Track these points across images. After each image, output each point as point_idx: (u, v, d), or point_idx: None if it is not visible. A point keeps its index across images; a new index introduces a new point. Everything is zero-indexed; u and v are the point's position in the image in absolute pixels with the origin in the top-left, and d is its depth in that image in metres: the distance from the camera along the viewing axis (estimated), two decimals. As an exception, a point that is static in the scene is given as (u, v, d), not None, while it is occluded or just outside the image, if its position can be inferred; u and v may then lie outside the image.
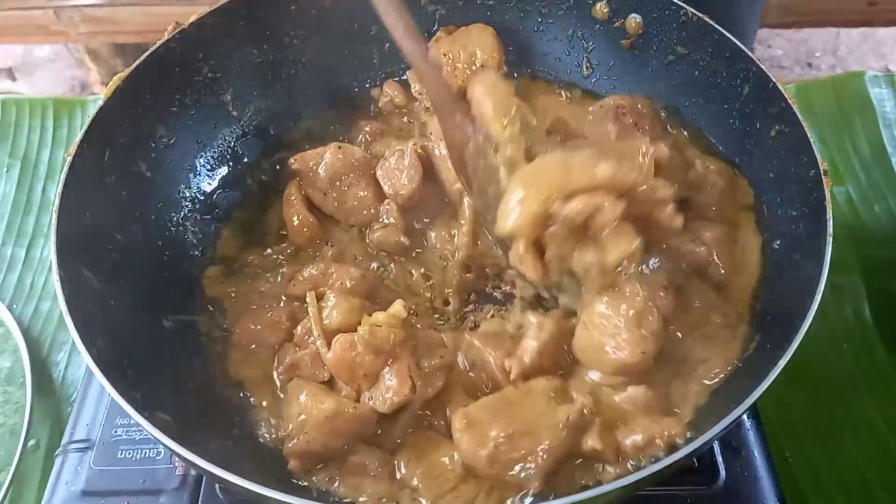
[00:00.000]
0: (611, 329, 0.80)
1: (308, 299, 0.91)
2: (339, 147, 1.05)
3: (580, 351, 0.86)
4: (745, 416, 0.95)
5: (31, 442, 1.09)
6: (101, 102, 0.93)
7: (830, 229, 0.78)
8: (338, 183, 1.04)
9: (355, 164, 1.05)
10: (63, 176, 0.85)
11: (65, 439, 0.97)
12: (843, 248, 1.30)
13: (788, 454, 1.07)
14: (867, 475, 1.07)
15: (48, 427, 1.11)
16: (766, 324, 0.85)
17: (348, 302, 0.90)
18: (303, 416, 0.82)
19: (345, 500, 0.80)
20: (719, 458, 0.91)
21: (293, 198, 1.05)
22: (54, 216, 0.82)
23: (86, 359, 0.71)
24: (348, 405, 0.82)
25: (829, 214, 0.79)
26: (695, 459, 0.91)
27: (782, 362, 0.68)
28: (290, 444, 0.82)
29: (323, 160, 1.04)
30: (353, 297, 0.92)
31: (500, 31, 1.19)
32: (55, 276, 0.77)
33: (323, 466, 0.83)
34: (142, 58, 0.98)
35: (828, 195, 0.81)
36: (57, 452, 0.96)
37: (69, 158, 0.87)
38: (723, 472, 0.90)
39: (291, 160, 1.06)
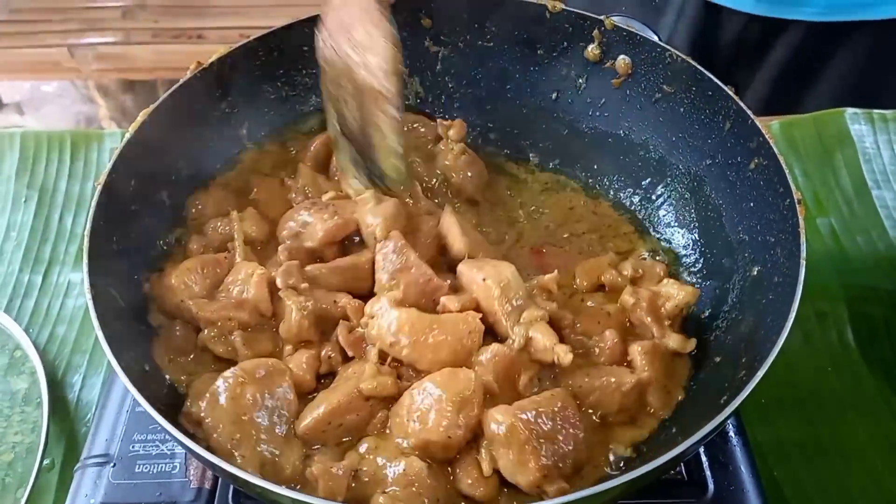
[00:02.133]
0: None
1: (233, 216, 1.05)
2: None
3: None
4: (731, 433, 1.00)
5: (47, 461, 1.12)
6: (128, 136, 0.99)
7: (804, 253, 0.83)
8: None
9: None
10: (94, 203, 0.91)
11: (84, 454, 1.00)
12: (827, 277, 1.36)
13: (777, 473, 1.11)
14: (854, 493, 1.10)
15: (63, 446, 1.15)
16: (748, 341, 0.90)
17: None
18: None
19: None
20: (707, 473, 0.96)
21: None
22: (86, 240, 0.87)
23: (116, 370, 0.76)
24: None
25: (803, 239, 0.85)
26: (685, 473, 0.95)
27: (761, 372, 0.74)
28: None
29: None
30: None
31: (497, 72, 1.27)
32: (87, 296, 0.82)
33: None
34: (165, 94, 1.05)
35: (801, 222, 0.87)
36: (76, 467, 1.00)
37: (98, 187, 0.93)
38: (711, 486, 0.94)
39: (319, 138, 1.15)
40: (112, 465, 0.98)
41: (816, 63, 1.60)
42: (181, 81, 1.05)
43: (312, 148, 1.18)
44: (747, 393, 0.73)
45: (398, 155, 1.02)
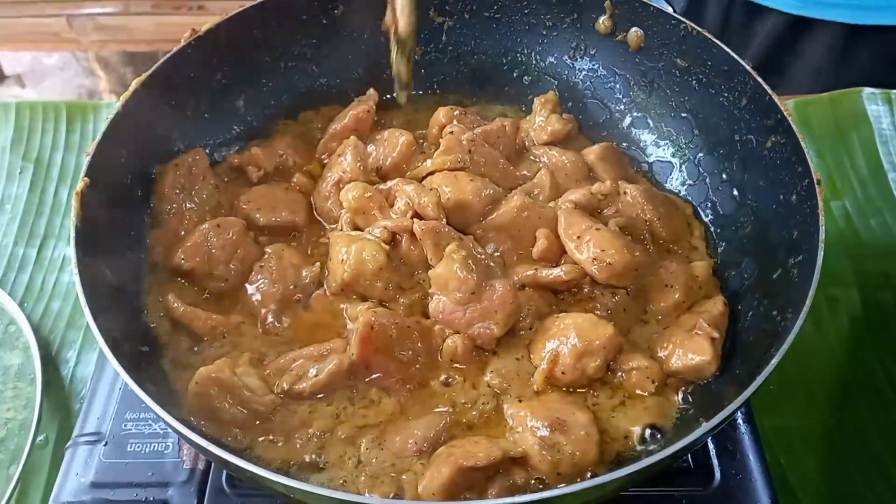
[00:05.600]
0: None
1: None
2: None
3: None
4: (740, 421, 0.98)
5: (40, 437, 1.10)
6: (119, 105, 0.95)
7: (822, 235, 0.80)
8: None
9: None
10: (83, 173, 0.88)
11: (75, 432, 0.99)
12: (839, 262, 1.33)
13: (783, 460, 1.09)
14: (859, 483, 1.08)
15: (57, 423, 1.13)
16: (761, 326, 0.87)
17: None
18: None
19: None
20: (714, 461, 0.93)
21: None
22: (74, 212, 0.85)
23: (104, 349, 0.73)
24: None
25: (822, 220, 0.82)
26: (690, 461, 0.93)
27: (775, 360, 0.71)
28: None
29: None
30: None
31: (506, 43, 1.24)
32: (73, 270, 0.79)
33: None
34: (158, 63, 1.01)
35: (821, 203, 0.83)
36: (67, 445, 0.98)
37: (87, 158, 0.90)
38: (718, 475, 0.92)
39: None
40: (104, 443, 0.96)
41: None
42: (174, 50, 1.02)
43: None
44: (761, 381, 0.70)
45: None
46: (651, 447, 0.83)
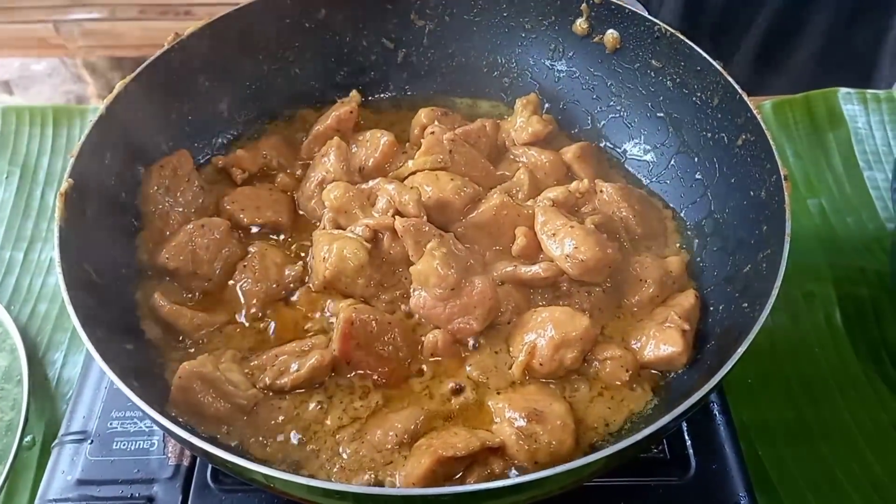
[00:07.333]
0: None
1: None
2: None
3: None
4: (715, 412, 0.99)
5: (27, 438, 1.11)
6: (103, 108, 0.97)
7: (789, 229, 0.83)
8: None
9: None
10: (67, 174, 0.89)
11: (62, 431, 1.00)
12: (815, 258, 1.35)
13: (761, 452, 1.11)
14: (837, 474, 1.10)
15: (44, 424, 1.14)
16: (732, 319, 0.89)
17: None
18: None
19: None
20: (690, 452, 0.95)
21: None
22: (58, 213, 0.86)
23: (87, 346, 0.74)
24: None
25: (789, 215, 0.84)
26: (667, 452, 0.95)
27: (742, 348, 0.73)
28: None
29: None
30: None
31: (486, 46, 1.25)
32: (58, 270, 0.80)
33: None
34: (142, 66, 1.02)
35: (787, 198, 0.86)
36: (54, 444, 0.99)
37: (72, 160, 0.91)
38: (694, 465, 0.94)
39: None
40: (90, 441, 0.97)
41: (796, 28, 1.60)
42: (157, 53, 1.03)
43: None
44: (728, 369, 0.72)
45: None
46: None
